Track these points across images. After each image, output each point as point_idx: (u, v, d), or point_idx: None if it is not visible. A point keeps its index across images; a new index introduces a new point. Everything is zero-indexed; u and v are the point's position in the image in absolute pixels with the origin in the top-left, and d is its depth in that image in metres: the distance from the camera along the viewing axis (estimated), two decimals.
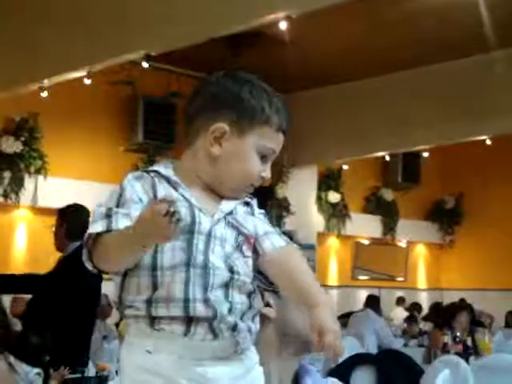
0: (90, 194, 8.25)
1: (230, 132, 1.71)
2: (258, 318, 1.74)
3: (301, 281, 1.66)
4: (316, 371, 1.98)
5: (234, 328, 1.65)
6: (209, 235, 1.67)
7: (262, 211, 1.81)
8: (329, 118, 9.33)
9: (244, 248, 1.70)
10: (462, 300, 8.76)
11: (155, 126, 8.69)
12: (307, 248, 9.12)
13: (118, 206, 1.65)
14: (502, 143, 9.59)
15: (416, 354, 6.01)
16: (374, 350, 7.35)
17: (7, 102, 7.06)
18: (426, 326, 9.37)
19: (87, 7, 5.92)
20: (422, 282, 12.77)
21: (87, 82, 6.51)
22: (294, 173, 9.84)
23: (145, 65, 6.27)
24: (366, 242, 11.74)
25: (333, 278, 11.24)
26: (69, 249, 4.34)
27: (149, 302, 1.64)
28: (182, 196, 1.69)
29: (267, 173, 1.77)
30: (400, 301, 11.27)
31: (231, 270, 1.67)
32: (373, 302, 8.93)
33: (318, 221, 10.51)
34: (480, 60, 7.89)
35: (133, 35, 5.75)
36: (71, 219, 4.43)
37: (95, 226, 1.61)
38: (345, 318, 8.38)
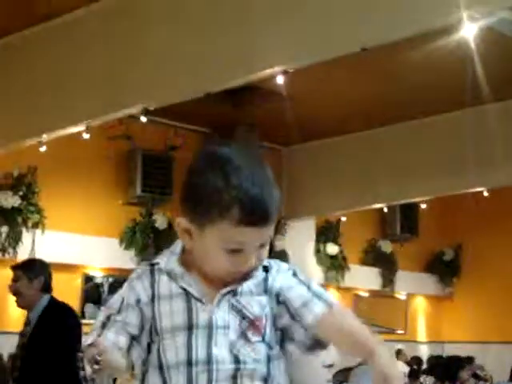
0: (88, 247, 8.23)
1: (192, 226, 1.63)
2: None
3: (350, 334, 1.62)
4: None
5: None
6: (209, 327, 1.62)
7: (290, 268, 1.71)
8: (327, 171, 9.37)
9: (249, 334, 1.63)
10: (468, 357, 8.66)
11: (153, 179, 8.71)
12: None
13: (120, 309, 1.68)
14: (499, 195, 9.60)
15: None
16: None
17: (6, 157, 7.09)
18: (426, 379, 9.24)
19: (85, 62, 5.99)
20: (422, 334, 12.65)
21: (86, 136, 6.54)
22: (292, 225, 9.83)
23: (143, 119, 6.31)
24: (366, 295, 11.66)
25: None
26: (42, 302, 4.30)
27: None
28: (182, 288, 1.66)
29: (249, 263, 1.62)
30: (399, 354, 11.14)
31: (237, 360, 1.61)
32: None
33: (316, 273, 10.45)
34: (476, 112, 7.95)
35: (131, 90, 5.80)
36: (46, 271, 4.43)
37: (90, 338, 1.66)
38: (345, 372, 8.27)
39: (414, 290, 12.28)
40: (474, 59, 6.21)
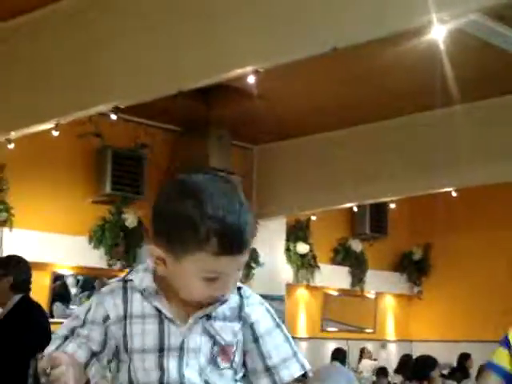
0: (56, 246, 8.17)
1: (167, 256, 1.59)
2: None
3: None
4: None
5: None
6: (181, 349, 1.61)
7: (262, 303, 1.69)
8: (297, 170, 9.40)
9: (219, 360, 1.63)
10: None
11: (123, 177, 8.66)
12: (276, 299, 9.07)
13: (84, 323, 1.66)
14: (467, 195, 9.70)
15: None
16: None
17: None
18: (395, 378, 9.32)
19: (55, 59, 5.94)
20: (390, 333, 12.74)
21: (55, 134, 6.49)
22: (262, 224, 9.84)
23: (113, 117, 6.28)
24: (335, 293, 11.72)
25: (302, 330, 11.17)
26: (13, 301, 4.25)
27: None
28: (155, 308, 1.64)
29: (225, 289, 1.60)
30: (363, 352, 11.21)
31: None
32: (339, 356, 8.88)
33: (286, 272, 10.48)
34: (445, 113, 8.03)
35: (101, 88, 5.76)
36: (17, 271, 4.34)
37: (51, 347, 1.66)
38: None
39: (383, 289, 12.36)
40: (444, 61, 6.26)
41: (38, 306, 4.31)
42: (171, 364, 1.61)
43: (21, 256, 4.61)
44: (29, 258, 4.76)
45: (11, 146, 6.62)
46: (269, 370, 1.65)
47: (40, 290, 7.72)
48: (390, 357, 12.05)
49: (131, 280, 1.68)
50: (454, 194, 9.40)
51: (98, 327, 1.65)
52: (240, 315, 1.66)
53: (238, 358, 1.66)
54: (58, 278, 8.43)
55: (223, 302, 1.65)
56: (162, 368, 1.61)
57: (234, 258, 1.58)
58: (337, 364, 8.50)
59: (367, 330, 12.21)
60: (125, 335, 1.64)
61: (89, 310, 1.68)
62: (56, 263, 8.38)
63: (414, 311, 12.78)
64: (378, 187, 8.84)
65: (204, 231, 1.53)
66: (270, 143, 9.74)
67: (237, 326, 1.65)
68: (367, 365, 10.78)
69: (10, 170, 7.80)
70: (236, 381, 1.66)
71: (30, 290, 4.36)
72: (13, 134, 6.36)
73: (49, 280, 8.32)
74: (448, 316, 12.01)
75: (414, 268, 12.48)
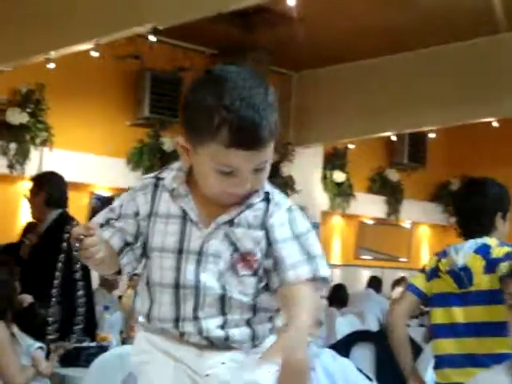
0: (95, 167, 8.27)
1: (188, 145, 1.59)
2: (279, 316, 1.69)
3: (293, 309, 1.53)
4: (311, 343, 1.97)
5: (226, 339, 1.62)
6: (199, 253, 1.61)
7: (289, 209, 1.65)
8: (336, 97, 9.30)
9: (238, 267, 1.61)
10: None
11: (161, 100, 8.66)
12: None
13: (119, 216, 1.68)
14: (508, 125, 9.54)
15: (416, 333, 6.05)
16: (374, 329, 7.37)
17: (14, 74, 7.04)
18: (426, 309, 9.37)
19: None
20: (425, 262, 12.77)
21: (94, 54, 6.49)
22: (299, 151, 9.82)
23: (152, 39, 6.24)
24: (370, 222, 11.74)
25: (336, 257, 11.26)
26: (49, 217, 4.32)
27: (147, 317, 1.68)
28: (181, 209, 1.64)
29: (242, 187, 1.56)
30: (402, 281, 11.28)
31: (224, 289, 1.61)
32: (375, 284, 8.95)
33: (322, 200, 10.51)
34: (489, 41, 7.83)
35: (140, 8, 5.71)
36: (50, 187, 4.39)
37: None
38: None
39: (419, 218, 12.34)
40: None
41: (76, 222, 4.38)
42: (188, 267, 1.60)
43: (55, 172, 4.64)
44: (68, 178, 4.81)
45: (51, 65, 6.63)
46: (277, 270, 1.61)
47: (78, 210, 7.86)
48: None
49: (163, 178, 1.68)
50: (494, 124, 9.24)
51: (131, 220, 1.67)
52: (263, 223, 1.62)
53: (262, 266, 1.64)
54: (97, 199, 8.55)
55: (247, 205, 1.62)
56: (178, 269, 1.61)
57: (247, 154, 1.52)
58: (371, 291, 8.58)
59: (401, 259, 12.26)
60: (148, 232, 1.66)
61: (122, 204, 1.70)
62: (94, 184, 8.50)
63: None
64: (418, 116, 8.73)
65: (217, 121, 1.50)
66: (309, 69, 9.63)
67: (260, 234, 1.61)
68: (400, 292, 10.86)
69: (50, 90, 7.85)
70: (259, 289, 1.64)
71: (67, 205, 4.42)
72: (52, 54, 6.37)
73: (87, 200, 8.44)
74: None
75: (450, 198, 12.41)
